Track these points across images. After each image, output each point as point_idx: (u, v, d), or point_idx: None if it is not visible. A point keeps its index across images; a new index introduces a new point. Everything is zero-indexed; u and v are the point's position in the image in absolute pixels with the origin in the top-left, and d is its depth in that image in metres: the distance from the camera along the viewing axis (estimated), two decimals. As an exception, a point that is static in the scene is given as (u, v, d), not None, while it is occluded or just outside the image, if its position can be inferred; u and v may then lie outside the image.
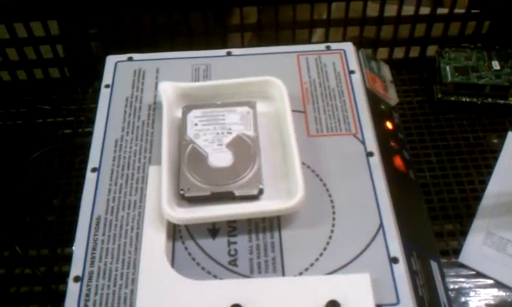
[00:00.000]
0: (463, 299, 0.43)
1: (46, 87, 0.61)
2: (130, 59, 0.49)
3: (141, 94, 0.46)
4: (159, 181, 0.39)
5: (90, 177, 0.41)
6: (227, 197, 0.38)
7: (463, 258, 0.44)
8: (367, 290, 0.34)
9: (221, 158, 0.39)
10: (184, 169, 0.39)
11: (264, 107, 0.43)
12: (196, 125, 0.41)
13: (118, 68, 0.48)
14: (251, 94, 0.43)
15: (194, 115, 0.42)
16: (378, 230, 0.37)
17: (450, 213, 0.48)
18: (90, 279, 0.36)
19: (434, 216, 0.48)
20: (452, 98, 0.56)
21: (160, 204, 0.37)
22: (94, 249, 0.37)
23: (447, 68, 0.56)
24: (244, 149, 0.40)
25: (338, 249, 0.36)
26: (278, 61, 0.48)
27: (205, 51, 0.49)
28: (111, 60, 0.49)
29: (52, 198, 0.51)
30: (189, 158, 0.39)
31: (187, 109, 0.43)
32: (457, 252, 0.45)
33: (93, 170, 0.41)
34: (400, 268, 0.35)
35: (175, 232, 0.38)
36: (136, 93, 0.46)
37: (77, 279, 0.36)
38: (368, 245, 0.36)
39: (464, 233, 0.46)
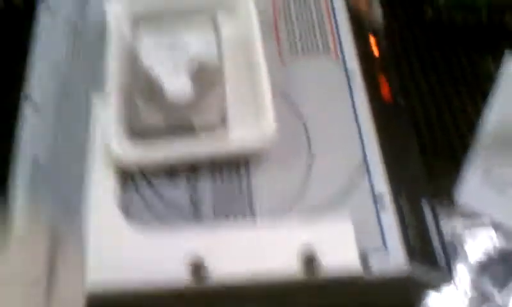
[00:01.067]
0: (457, 243, 0.38)
1: None
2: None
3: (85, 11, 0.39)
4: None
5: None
6: (186, 129, 0.32)
7: (459, 198, 0.39)
8: (349, 236, 0.29)
9: (178, 86, 0.33)
10: (136, 99, 0.33)
11: (227, 23, 0.36)
12: (150, 49, 0.35)
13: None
14: (212, 9, 0.37)
15: (147, 38, 0.35)
16: (361, 165, 0.32)
17: (444, 149, 0.43)
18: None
19: (425, 152, 0.42)
20: (444, 18, 0.50)
21: (109, 142, 0.31)
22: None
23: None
24: (206, 76, 0.33)
25: (316, 190, 0.31)
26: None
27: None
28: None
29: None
30: (142, 87, 0.33)
31: (138, 32, 0.36)
32: (450, 192, 0.40)
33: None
34: (387, 209, 0.30)
35: (127, 175, 0.32)
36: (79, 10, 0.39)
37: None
38: (350, 184, 0.31)
39: (458, 171, 0.41)
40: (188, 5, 0.37)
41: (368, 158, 0.32)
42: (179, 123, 0.32)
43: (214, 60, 0.34)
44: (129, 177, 0.32)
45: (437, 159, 0.42)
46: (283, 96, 0.34)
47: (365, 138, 0.33)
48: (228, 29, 0.36)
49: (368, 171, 0.31)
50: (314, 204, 0.30)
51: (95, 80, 0.35)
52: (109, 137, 0.31)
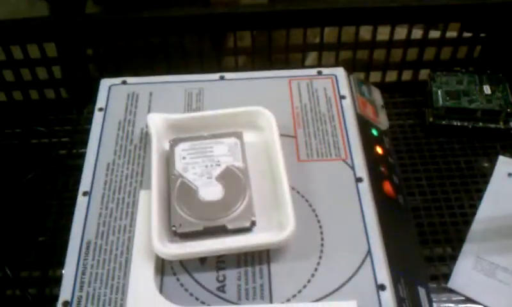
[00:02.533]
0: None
1: (42, 108, 0.62)
2: (124, 82, 0.49)
3: (133, 118, 0.47)
4: (149, 205, 0.39)
5: (81, 201, 0.41)
6: (219, 231, 0.38)
7: (453, 283, 0.45)
8: (354, 318, 0.34)
9: (211, 191, 0.39)
10: (175, 204, 0.39)
11: (252, 137, 0.43)
12: (184, 158, 0.41)
13: (111, 92, 0.49)
14: (240, 125, 0.43)
15: (181, 148, 0.42)
16: (366, 257, 0.37)
17: (441, 237, 0.48)
18: (79, 304, 0.36)
19: (424, 240, 0.48)
20: (444, 122, 0.56)
21: (151, 241, 0.37)
22: (83, 273, 0.37)
23: (439, 92, 0.57)
24: (234, 181, 0.40)
25: (326, 276, 0.36)
26: (270, 85, 0.48)
27: (198, 75, 0.50)
28: (105, 83, 0.50)
29: (45, 220, 0.51)
30: (179, 192, 0.39)
31: (174, 142, 0.42)
32: (447, 277, 0.45)
33: (85, 194, 0.42)
34: (388, 296, 0.35)
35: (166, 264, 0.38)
36: (128, 117, 0.47)
37: (65, 304, 0.36)
38: (356, 272, 0.37)
39: (454, 258, 0.47)
40: (219, 125, 0.44)
41: (371, 249, 0.38)
42: (213, 225, 0.37)
43: (241, 166, 0.40)
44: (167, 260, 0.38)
45: (435, 247, 0.48)
46: (300, 193, 0.41)
47: (369, 231, 0.38)
48: (251, 139, 0.43)
49: (371, 260, 0.37)
50: (324, 287, 0.36)
51: (141, 176, 0.42)
52: (152, 238, 0.36)
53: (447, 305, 0.44)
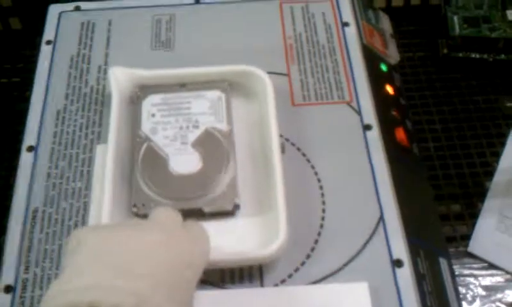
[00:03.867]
0: (471, 296, 0.36)
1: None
2: (77, 8, 0.41)
3: (89, 52, 0.38)
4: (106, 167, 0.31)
5: (26, 158, 0.33)
6: (194, 215, 0.29)
7: (473, 246, 0.38)
8: (365, 302, 0.28)
9: (185, 161, 0.31)
10: (138, 176, 0.31)
11: (241, 102, 0.34)
12: (153, 115, 0.33)
13: (62, 20, 0.40)
14: (225, 87, 0.34)
15: (151, 102, 0.33)
16: (378, 225, 0.30)
17: (458, 192, 0.41)
18: (24, 289, 0.29)
19: (439, 195, 0.41)
20: (460, 55, 0.48)
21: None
22: (29, 250, 0.30)
23: (455, 18, 0.49)
24: (215, 149, 0.31)
25: (329, 250, 0.30)
26: (256, 10, 0.40)
27: (169, -2, 0.41)
28: (54, 10, 0.41)
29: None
30: (144, 161, 0.31)
31: (142, 94, 0.34)
32: (466, 238, 0.39)
33: (29, 149, 0.34)
34: (405, 273, 0.29)
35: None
36: (83, 51, 0.38)
37: (8, 289, 0.29)
38: (365, 245, 0.30)
39: (474, 216, 0.40)
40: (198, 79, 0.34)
41: (384, 214, 0.31)
42: (187, 207, 0.29)
43: (225, 129, 0.32)
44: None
45: (451, 203, 0.41)
46: (295, 145, 0.33)
47: (381, 192, 0.31)
48: (240, 103, 0.34)
49: (384, 228, 0.30)
50: (327, 264, 0.29)
51: (98, 125, 0.34)
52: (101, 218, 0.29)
53: (466, 272, 0.37)
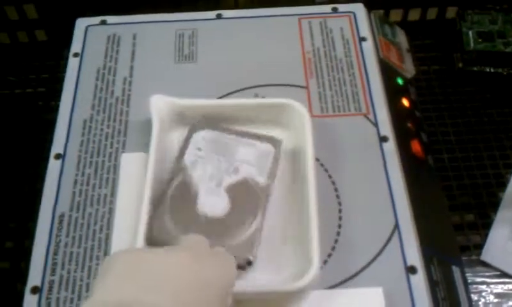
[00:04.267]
0: (483, 303, 0.37)
1: (14, 53, 0.54)
2: (103, 22, 0.42)
3: (115, 65, 0.39)
4: (133, 171, 0.33)
5: (53, 165, 0.35)
6: None
7: (486, 255, 0.39)
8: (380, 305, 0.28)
9: (213, 203, 0.31)
10: (163, 206, 0.31)
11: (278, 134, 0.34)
12: (199, 149, 0.33)
13: (88, 34, 0.41)
14: (263, 120, 0.35)
15: (202, 136, 0.33)
16: (393, 233, 0.31)
17: (471, 202, 0.42)
18: (50, 290, 0.30)
19: (452, 206, 0.41)
20: (475, 68, 0.49)
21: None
22: (56, 253, 0.31)
23: (469, 33, 0.49)
24: (247, 200, 0.31)
25: (345, 256, 0.30)
26: (276, 25, 0.41)
27: (191, 13, 0.42)
28: (81, 24, 0.42)
29: (20, 184, 0.45)
30: (174, 193, 0.31)
31: (197, 125, 0.34)
32: (478, 247, 0.40)
33: (57, 157, 0.35)
34: (419, 280, 0.30)
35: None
36: (109, 64, 0.39)
37: (35, 290, 0.30)
38: (380, 252, 0.31)
39: (487, 226, 0.41)
40: (238, 118, 0.35)
41: (399, 223, 0.31)
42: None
43: (263, 183, 0.32)
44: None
45: (465, 213, 0.42)
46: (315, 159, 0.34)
47: (396, 201, 0.32)
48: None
49: (399, 236, 0.31)
50: (342, 270, 0.30)
51: (124, 135, 0.35)
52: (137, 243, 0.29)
53: (479, 280, 0.38)
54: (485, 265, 0.39)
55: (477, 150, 0.45)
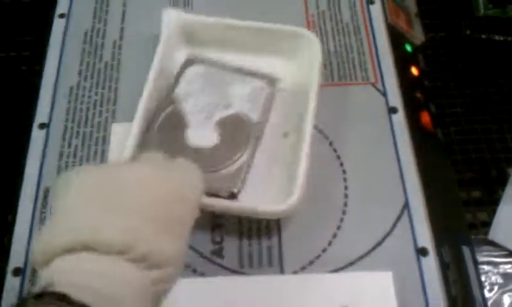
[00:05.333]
0: (489, 284, 0.36)
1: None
2: (91, -21, 0.39)
3: (104, 26, 0.37)
4: (124, 143, 0.30)
5: (37, 135, 0.32)
6: None
7: (493, 234, 0.37)
8: (389, 291, 0.27)
9: (202, 135, 0.30)
10: (153, 136, 0.30)
11: (285, 75, 0.33)
12: (191, 82, 0.32)
13: (76, -8, 0.38)
14: (274, 47, 0.33)
15: (195, 70, 0.33)
16: (402, 212, 0.29)
17: (478, 177, 0.40)
18: (34, 272, 0.28)
19: (459, 181, 0.39)
20: (483, 36, 0.46)
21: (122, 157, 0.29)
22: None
23: (479, -3, 0.47)
24: (236, 135, 0.30)
25: (352, 237, 0.29)
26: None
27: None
28: (67, -19, 0.39)
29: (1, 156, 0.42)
30: (163, 123, 0.30)
31: (188, 62, 0.33)
32: (486, 225, 0.38)
33: (41, 126, 0.33)
34: (430, 262, 0.28)
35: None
36: (98, 25, 0.37)
37: (17, 272, 0.28)
38: (389, 232, 0.29)
39: (494, 203, 0.39)
40: (247, 42, 0.34)
41: (410, 202, 0.30)
42: None
43: (255, 119, 0.31)
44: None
45: (472, 189, 0.40)
46: (318, 127, 0.32)
47: (406, 178, 0.30)
48: (284, 77, 0.33)
49: (409, 216, 0.29)
50: (349, 251, 0.28)
51: (113, 103, 0.33)
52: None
53: (486, 260, 0.37)
54: (492, 244, 0.37)
55: (484, 123, 0.43)
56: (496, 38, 0.47)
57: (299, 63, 0.33)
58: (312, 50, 0.32)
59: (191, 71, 0.32)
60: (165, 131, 0.30)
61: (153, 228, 0.20)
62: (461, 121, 0.43)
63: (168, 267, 0.20)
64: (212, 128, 0.30)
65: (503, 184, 0.40)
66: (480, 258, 0.37)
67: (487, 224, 0.38)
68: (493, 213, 0.38)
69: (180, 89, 0.32)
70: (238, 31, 0.33)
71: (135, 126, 0.30)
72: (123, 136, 0.30)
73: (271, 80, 0.32)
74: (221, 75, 0.32)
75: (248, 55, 0.33)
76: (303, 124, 0.30)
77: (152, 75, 0.31)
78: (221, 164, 0.29)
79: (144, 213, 0.21)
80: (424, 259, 0.28)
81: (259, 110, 0.31)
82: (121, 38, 0.36)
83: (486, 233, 0.38)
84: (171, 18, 0.33)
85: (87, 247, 0.19)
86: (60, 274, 0.19)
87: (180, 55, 0.33)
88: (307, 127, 0.29)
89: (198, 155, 0.29)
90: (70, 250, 0.19)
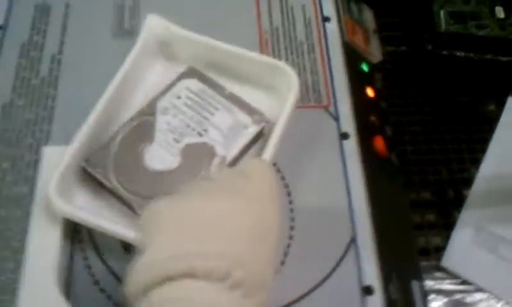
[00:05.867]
0: (443, 312, 0.35)
1: None
2: (31, -14, 0.37)
3: (42, 39, 0.34)
4: (55, 169, 0.28)
5: (-36, 157, 0.30)
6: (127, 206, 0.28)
7: (446, 260, 0.36)
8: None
9: (162, 157, 0.29)
10: (114, 141, 0.29)
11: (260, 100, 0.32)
12: (178, 97, 0.30)
13: (14, 3, 0.36)
14: (252, 75, 0.32)
15: (187, 84, 0.31)
16: (349, 247, 0.28)
17: (434, 199, 0.39)
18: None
19: (415, 202, 0.39)
20: (444, 52, 0.46)
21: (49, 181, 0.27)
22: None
23: (441, 12, 0.46)
24: (196, 164, 0.29)
25: (296, 273, 0.27)
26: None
27: (133, -21, 0.37)
28: (5, -13, 0.36)
29: None
30: (132, 132, 0.29)
31: (186, 74, 0.31)
32: (439, 250, 0.37)
33: (-31, 147, 0.30)
34: (376, 301, 0.27)
35: (75, 242, 0.28)
36: (35, 38, 0.34)
37: None
38: (334, 269, 0.28)
39: (449, 227, 0.38)
40: (226, 66, 0.32)
41: (357, 235, 0.28)
42: (122, 195, 0.28)
43: (223, 155, 0.29)
44: (78, 247, 0.28)
45: (426, 212, 0.39)
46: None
47: (355, 209, 0.29)
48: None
49: (356, 251, 0.28)
50: (291, 289, 0.27)
51: (48, 123, 0.31)
52: (53, 176, 0.27)
53: (437, 288, 0.36)
54: (445, 271, 0.36)
55: (442, 143, 0.42)
56: (458, 54, 0.46)
57: (277, 97, 0.32)
58: (290, 84, 0.31)
59: (183, 84, 0.31)
60: (128, 143, 0.29)
61: (249, 253, 0.21)
62: (419, 140, 0.42)
63: (264, 290, 0.21)
64: (175, 152, 0.29)
65: (459, 206, 0.39)
66: (432, 286, 0.36)
67: (440, 249, 0.37)
68: (447, 238, 0.38)
69: (164, 101, 0.30)
70: (221, 54, 0.32)
71: (88, 126, 0.29)
72: (56, 162, 0.28)
73: (258, 119, 0.30)
74: (209, 96, 0.31)
75: (229, 80, 0.32)
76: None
77: (115, 80, 0.30)
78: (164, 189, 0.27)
79: (238, 240, 0.21)
80: (369, 298, 0.27)
81: (231, 149, 0.29)
82: (60, 52, 0.34)
83: (439, 258, 0.37)
84: (151, 24, 0.32)
85: (186, 275, 0.20)
86: (163, 303, 0.19)
87: (154, 66, 0.32)
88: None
89: (148, 174, 0.28)
90: (170, 279, 0.20)
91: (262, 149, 0.29)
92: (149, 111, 0.30)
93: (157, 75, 0.32)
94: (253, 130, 0.30)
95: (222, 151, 0.29)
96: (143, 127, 0.29)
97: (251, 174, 0.23)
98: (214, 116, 0.30)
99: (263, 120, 0.30)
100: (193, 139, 0.29)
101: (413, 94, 0.45)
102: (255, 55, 0.32)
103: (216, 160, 0.29)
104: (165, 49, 0.32)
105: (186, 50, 0.32)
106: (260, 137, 0.30)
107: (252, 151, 0.30)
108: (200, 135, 0.29)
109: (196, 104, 0.30)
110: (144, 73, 0.32)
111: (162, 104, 0.30)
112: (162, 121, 0.30)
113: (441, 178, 0.41)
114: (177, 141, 0.29)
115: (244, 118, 0.30)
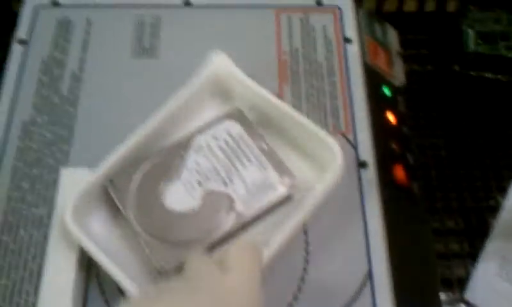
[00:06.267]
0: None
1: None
2: (55, 3, 0.37)
3: (64, 56, 0.34)
4: (72, 192, 0.28)
5: (-17, 177, 0.30)
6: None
7: (470, 294, 0.35)
8: None
9: (183, 199, 0.28)
10: (141, 167, 0.28)
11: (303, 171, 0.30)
12: (216, 138, 0.30)
13: (38, 17, 0.36)
14: (297, 138, 0.30)
15: (228, 126, 0.30)
16: (365, 282, 0.27)
17: (459, 228, 0.38)
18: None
19: (437, 231, 0.38)
20: (473, 73, 0.44)
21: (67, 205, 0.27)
22: (-21, 284, 0.27)
23: (470, 32, 0.45)
24: (213, 214, 0.28)
25: (309, 307, 0.27)
26: (250, 17, 0.36)
27: (155, -2, 0.37)
28: (29, 4, 0.37)
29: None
30: (161, 164, 0.29)
31: (230, 115, 0.30)
32: (462, 282, 0.36)
33: (-12, 165, 0.31)
34: (391, 340, 0.26)
35: (91, 266, 0.28)
36: (56, 55, 0.34)
37: None
38: (349, 305, 0.27)
39: (473, 256, 0.37)
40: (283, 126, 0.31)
41: (373, 270, 0.28)
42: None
43: (242, 214, 0.28)
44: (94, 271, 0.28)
45: (451, 241, 0.38)
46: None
47: (372, 243, 0.28)
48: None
49: (372, 286, 0.27)
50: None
51: (67, 143, 0.31)
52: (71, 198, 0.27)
53: (461, 319, 0.35)
54: (468, 304, 0.35)
55: (468, 168, 0.41)
56: (487, 75, 0.45)
57: (315, 166, 0.30)
58: (333, 163, 0.29)
59: (224, 125, 0.30)
60: (153, 174, 0.29)
61: None
62: (444, 165, 0.41)
63: None
64: (195, 196, 0.28)
65: (484, 236, 0.38)
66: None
67: (463, 281, 0.36)
68: (471, 268, 0.36)
69: (200, 139, 0.29)
70: (276, 110, 0.30)
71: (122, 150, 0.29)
72: (74, 184, 0.28)
73: (288, 183, 0.29)
74: (246, 145, 0.29)
75: (272, 132, 0.31)
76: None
77: (161, 113, 0.30)
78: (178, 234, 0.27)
79: None
80: (384, 336, 0.26)
81: (250, 208, 0.28)
82: (80, 69, 0.34)
83: (462, 290, 0.36)
84: (216, 61, 0.31)
85: None
86: None
87: (204, 100, 0.31)
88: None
89: (165, 215, 0.28)
90: None
91: (287, 215, 0.27)
92: (184, 145, 0.29)
93: (202, 109, 0.31)
94: (279, 192, 0.28)
95: (241, 207, 0.28)
96: (172, 161, 0.29)
97: (230, 266, 0.22)
98: (245, 167, 0.29)
99: (293, 185, 0.28)
100: (216, 187, 0.28)
101: (438, 117, 0.43)
102: (308, 122, 0.30)
103: (231, 218, 0.28)
104: (219, 86, 0.31)
105: (242, 95, 0.31)
106: (287, 202, 0.29)
107: (276, 215, 0.29)
108: (225, 184, 0.28)
109: (231, 150, 0.29)
110: (194, 106, 0.31)
111: (197, 142, 0.29)
112: (192, 160, 0.29)
113: (466, 205, 0.39)
114: (200, 184, 0.28)
115: (273, 176, 0.28)
